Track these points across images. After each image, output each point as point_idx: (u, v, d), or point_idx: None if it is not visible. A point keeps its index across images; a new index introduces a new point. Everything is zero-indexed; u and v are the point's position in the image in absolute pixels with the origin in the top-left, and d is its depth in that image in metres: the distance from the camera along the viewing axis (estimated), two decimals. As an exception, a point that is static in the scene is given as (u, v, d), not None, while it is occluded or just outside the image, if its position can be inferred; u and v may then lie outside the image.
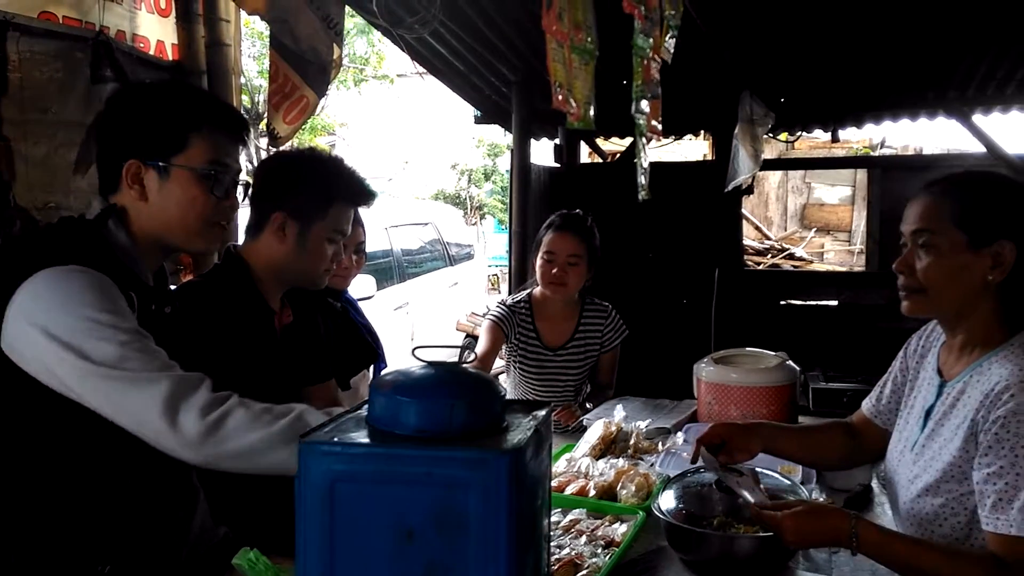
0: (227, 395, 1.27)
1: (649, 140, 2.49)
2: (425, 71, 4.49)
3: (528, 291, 2.92)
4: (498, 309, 2.89)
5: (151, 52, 2.78)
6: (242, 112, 1.61)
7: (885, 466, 1.67)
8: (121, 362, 1.21)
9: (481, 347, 2.76)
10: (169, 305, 1.47)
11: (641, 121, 2.38)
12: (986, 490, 1.31)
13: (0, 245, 1.40)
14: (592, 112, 2.14)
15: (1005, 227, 1.38)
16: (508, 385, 2.97)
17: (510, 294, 3.40)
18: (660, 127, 2.46)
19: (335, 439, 1.00)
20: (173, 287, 1.64)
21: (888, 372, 1.75)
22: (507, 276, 5.93)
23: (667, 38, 2.37)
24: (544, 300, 2.85)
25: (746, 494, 1.52)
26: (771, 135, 5.56)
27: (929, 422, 1.51)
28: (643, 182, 2.58)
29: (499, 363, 3.01)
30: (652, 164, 2.76)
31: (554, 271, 2.70)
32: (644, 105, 2.35)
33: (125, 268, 1.36)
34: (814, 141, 11.05)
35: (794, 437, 1.80)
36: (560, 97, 2.02)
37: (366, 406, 1.09)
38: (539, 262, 2.75)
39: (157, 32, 2.83)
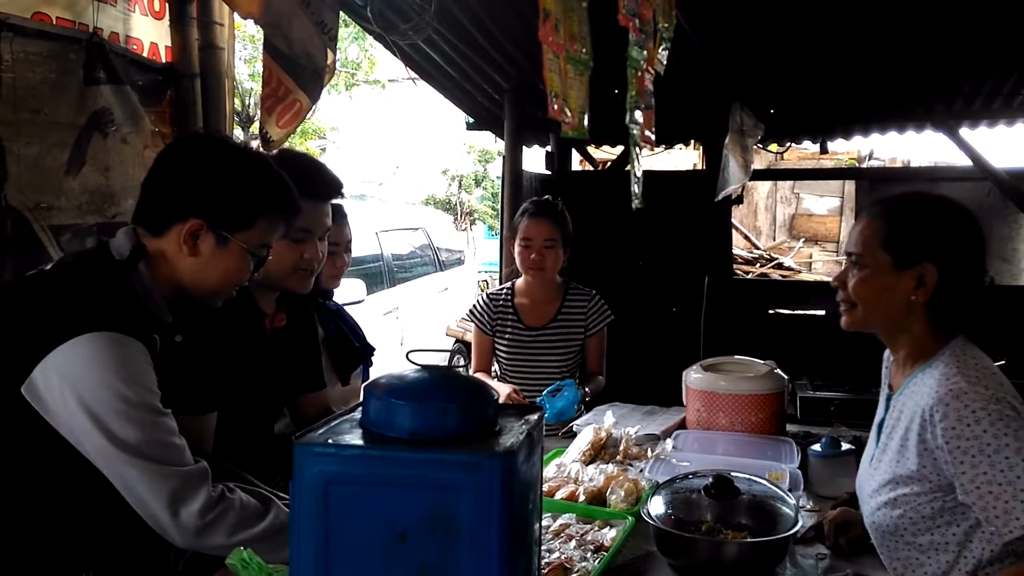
0: (221, 495, 1.37)
1: (642, 150, 2.51)
2: (417, 77, 4.50)
3: (511, 281, 3.01)
4: (475, 303, 2.98)
5: (144, 54, 2.77)
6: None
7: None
8: (140, 448, 1.30)
9: (473, 352, 2.92)
10: (180, 334, 1.51)
11: (635, 131, 2.40)
12: (987, 503, 1.30)
13: (31, 286, 1.38)
14: (586, 122, 2.16)
15: (928, 250, 1.45)
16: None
17: None
18: (653, 137, 2.49)
19: (329, 441, 1.01)
20: None
21: None
22: (497, 282, 5.93)
23: (660, 50, 2.39)
24: (526, 285, 2.92)
25: None
26: (761, 146, 5.59)
27: (881, 435, 1.55)
28: (636, 191, 2.60)
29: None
30: (643, 173, 2.79)
31: (532, 256, 2.78)
32: (638, 115, 2.37)
33: (148, 312, 1.41)
34: (803, 152, 11.11)
35: None
36: (556, 107, 2.04)
37: (360, 408, 1.10)
38: (517, 249, 2.83)
39: (151, 34, 2.82)
